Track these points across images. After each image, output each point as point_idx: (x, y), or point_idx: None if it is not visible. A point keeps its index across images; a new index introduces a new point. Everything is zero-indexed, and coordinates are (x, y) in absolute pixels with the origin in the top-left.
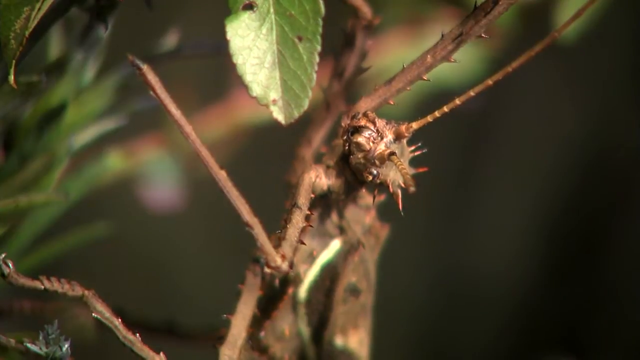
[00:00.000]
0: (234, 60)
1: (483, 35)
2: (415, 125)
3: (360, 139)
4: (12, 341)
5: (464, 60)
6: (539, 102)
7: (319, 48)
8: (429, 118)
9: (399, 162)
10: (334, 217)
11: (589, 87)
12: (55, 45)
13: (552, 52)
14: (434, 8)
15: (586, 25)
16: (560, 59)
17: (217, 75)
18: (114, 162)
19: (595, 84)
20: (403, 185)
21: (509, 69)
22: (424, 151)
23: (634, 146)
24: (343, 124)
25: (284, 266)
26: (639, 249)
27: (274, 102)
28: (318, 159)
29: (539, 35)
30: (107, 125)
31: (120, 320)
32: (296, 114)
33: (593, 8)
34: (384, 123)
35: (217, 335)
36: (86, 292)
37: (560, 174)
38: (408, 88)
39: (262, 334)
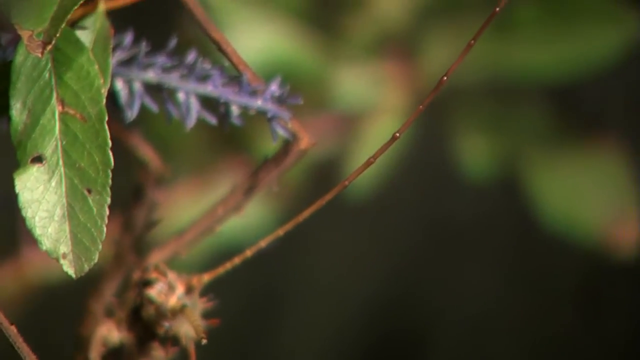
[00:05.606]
0: (23, 214)
1: (274, 187)
2: (207, 277)
3: (151, 292)
4: None
5: (255, 212)
6: (335, 258)
7: (108, 200)
8: (221, 270)
9: (191, 315)
10: None
11: (385, 245)
12: None
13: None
14: (222, 157)
15: (378, 180)
16: (356, 216)
17: (8, 230)
18: None
19: (390, 241)
20: (196, 337)
21: (300, 219)
22: (216, 303)
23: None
24: (134, 277)
25: None
26: None
27: (64, 255)
28: (110, 313)
29: (330, 187)
30: None
31: None
32: (87, 268)
33: (384, 165)
34: (176, 276)
35: None
36: None
37: (355, 332)
38: (200, 240)
39: None
